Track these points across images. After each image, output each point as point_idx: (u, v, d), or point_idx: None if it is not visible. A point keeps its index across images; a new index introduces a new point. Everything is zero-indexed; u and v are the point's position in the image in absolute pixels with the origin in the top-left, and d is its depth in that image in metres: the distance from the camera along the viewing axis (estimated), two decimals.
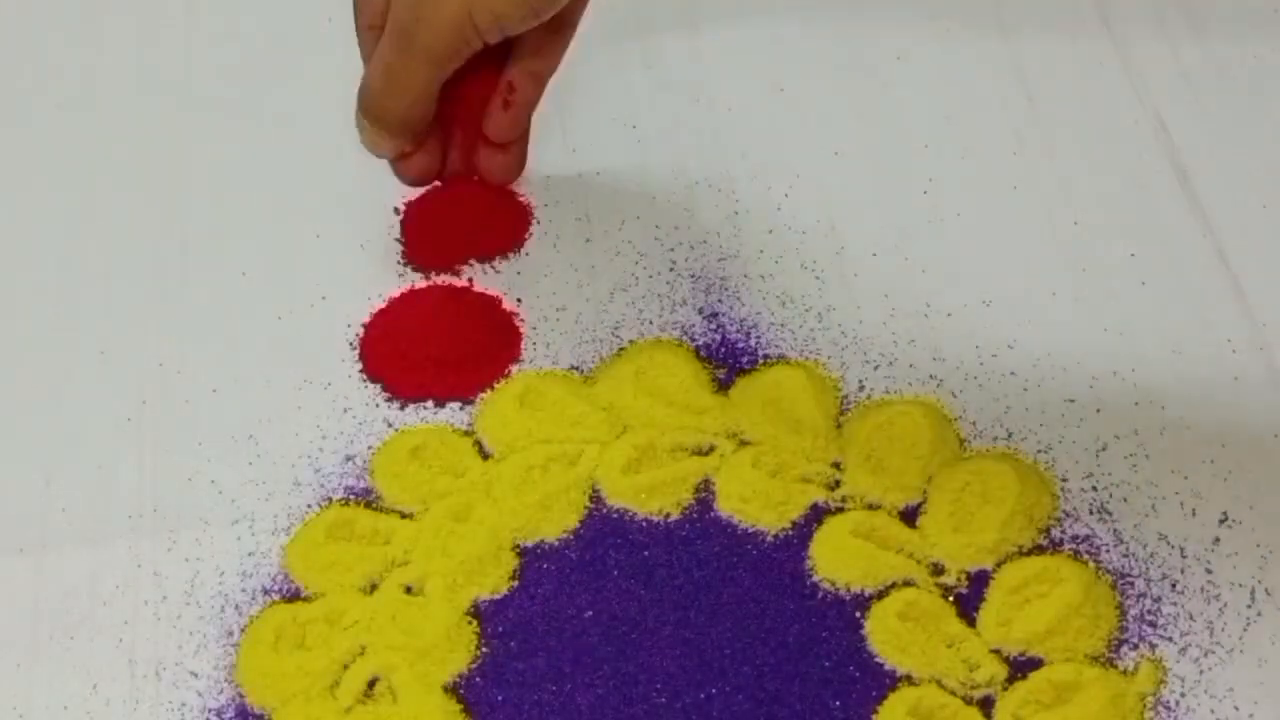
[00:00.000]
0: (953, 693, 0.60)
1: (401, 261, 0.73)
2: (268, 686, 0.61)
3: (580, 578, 0.63)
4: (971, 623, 0.61)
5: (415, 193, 0.75)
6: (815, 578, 0.63)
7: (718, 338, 0.70)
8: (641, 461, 0.66)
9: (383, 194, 0.76)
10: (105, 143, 0.79)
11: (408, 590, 0.63)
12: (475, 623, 0.62)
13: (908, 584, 0.62)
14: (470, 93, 0.72)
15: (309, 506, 0.66)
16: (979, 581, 0.63)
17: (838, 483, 0.65)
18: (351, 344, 0.71)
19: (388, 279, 0.73)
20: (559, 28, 0.71)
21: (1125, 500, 0.65)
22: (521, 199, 0.75)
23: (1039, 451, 0.66)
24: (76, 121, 0.80)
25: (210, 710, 0.61)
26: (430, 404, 0.69)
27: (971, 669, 0.60)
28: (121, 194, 0.77)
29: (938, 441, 0.66)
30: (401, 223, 0.75)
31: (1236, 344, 0.69)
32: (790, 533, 0.64)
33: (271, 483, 0.67)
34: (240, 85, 0.81)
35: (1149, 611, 0.62)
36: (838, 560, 0.63)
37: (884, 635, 0.61)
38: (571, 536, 0.64)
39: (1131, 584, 0.62)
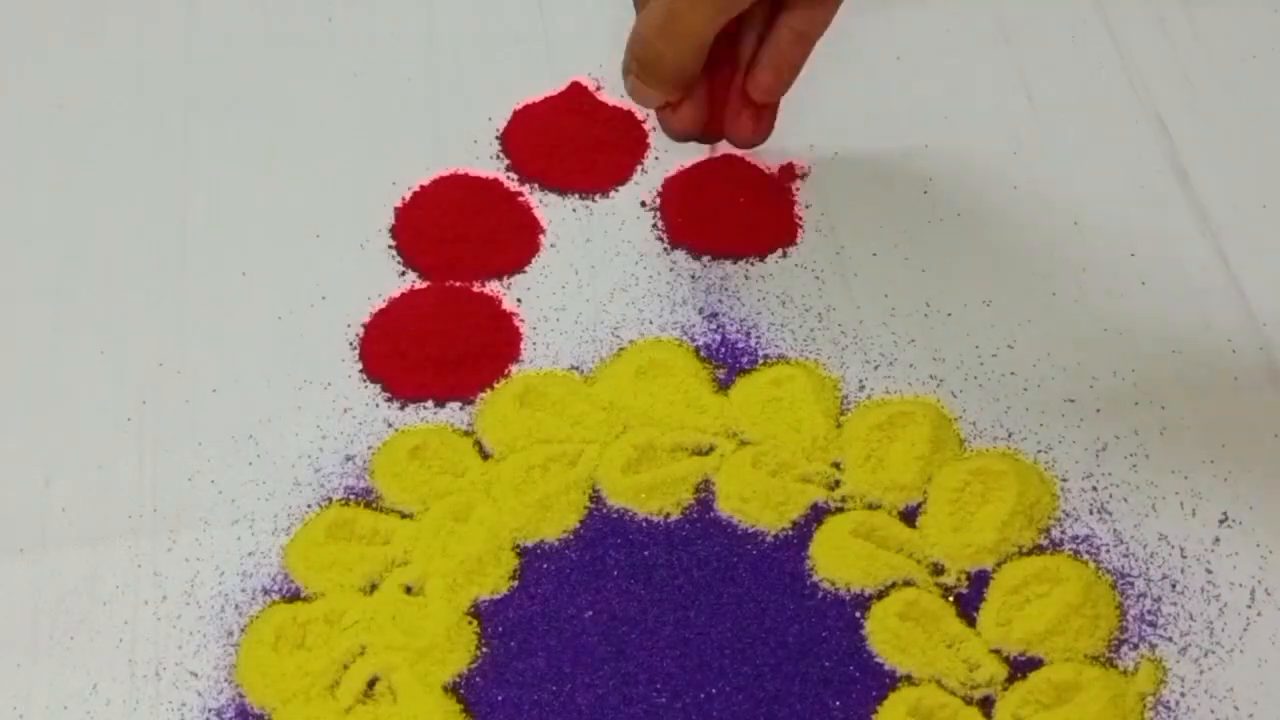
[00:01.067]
0: (953, 693, 0.60)
1: (400, 262, 0.74)
2: (268, 686, 0.61)
3: (580, 578, 0.63)
4: (971, 623, 0.62)
5: (411, 196, 0.75)
6: (815, 578, 0.63)
7: (718, 338, 0.70)
8: (641, 461, 0.66)
9: (383, 194, 0.76)
10: (105, 142, 0.79)
11: (408, 590, 0.63)
12: (475, 623, 0.62)
13: (908, 584, 0.63)
14: (732, 50, 0.71)
15: (309, 506, 0.66)
16: (979, 581, 0.63)
17: (838, 483, 0.65)
18: (351, 344, 0.71)
19: (388, 279, 0.73)
20: None
21: (1125, 500, 0.65)
22: (533, 213, 0.75)
23: (1039, 451, 0.66)
24: (76, 121, 0.80)
25: (210, 710, 0.61)
26: (430, 404, 0.69)
27: (971, 669, 0.60)
28: (121, 194, 0.77)
29: (938, 441, 0.66)
30: (394, 228, 0.75)
31: (1236, 344, 0.69)
32: (790, 533, 0.64)
33: (271, 483, 0.67)
34: (240, 85, 0.81)
35: (1149, 611, 0.62)
36: (838, 560, 0.63)
37: (884, 635, 0.61)
38: (571, 536, 0.64)
39: (1131, 584, 0.62)
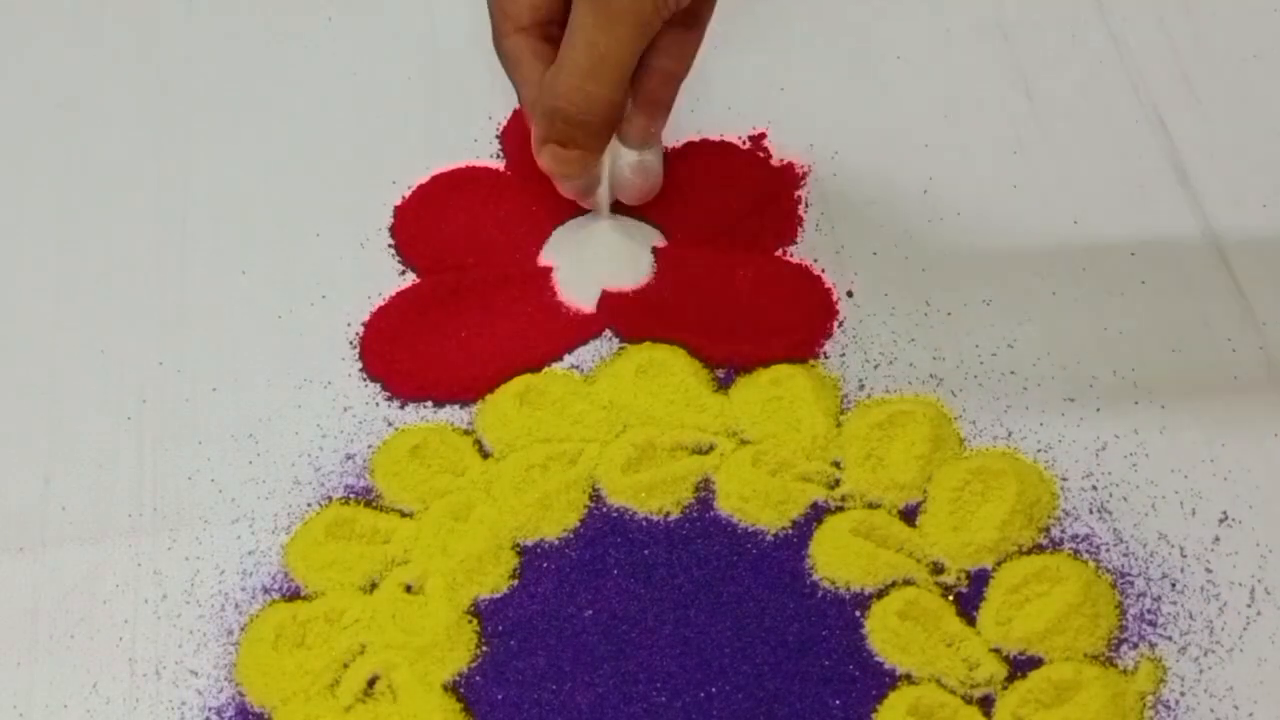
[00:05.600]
0: (952, 692, 0.60)
1: (400, 261, 0.73)
2: (268, 685, 0.61)
3: (580, 577, 0.63)
4: (971, 622, 0.62)
5: (410, 195, 0.75)
6: (815, 577, 0.63)
7: None
8: (641, 460, 0.66)
9: (383, 194, 0.76)
10: (105, 142, 0.79)
11: (408, 589, 0.63)
12: (475, 621, 0.62)
13: (908, 583, 0.63)
14: None
15: (309, 505, 0.66)
16: (979, 580, 0.63)
17: (838, 481, 0.65)
18: (351, 343, 0.71)
19: (387, 278, 0.73)
20: (693, 25, 0.68)
21: (1125, 499, 0.65)
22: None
23: (1039, 451, 0.66)
24: (76, 121, 0.80)
25: (210, 709, 0.61)
26: (430, 404, 0.69)
27: (971, 668, 0.60)
28: (121, 193, 0.77)
29: (938, 441, 0.66)
30: (393, 226, 0.75)
31: (1236, 344, 0.69)
32: (790, 532, 0.64)
33: (271, 481, 0.67)
34: (240, 85, 0.81)
35: (1149, 611, 0.62)
36: (837, 559, 0.63)
37: (884, 634, 0.61)
38: (571, 535, 0.65)
39: (1131, 583, 0.62)
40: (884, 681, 0.60)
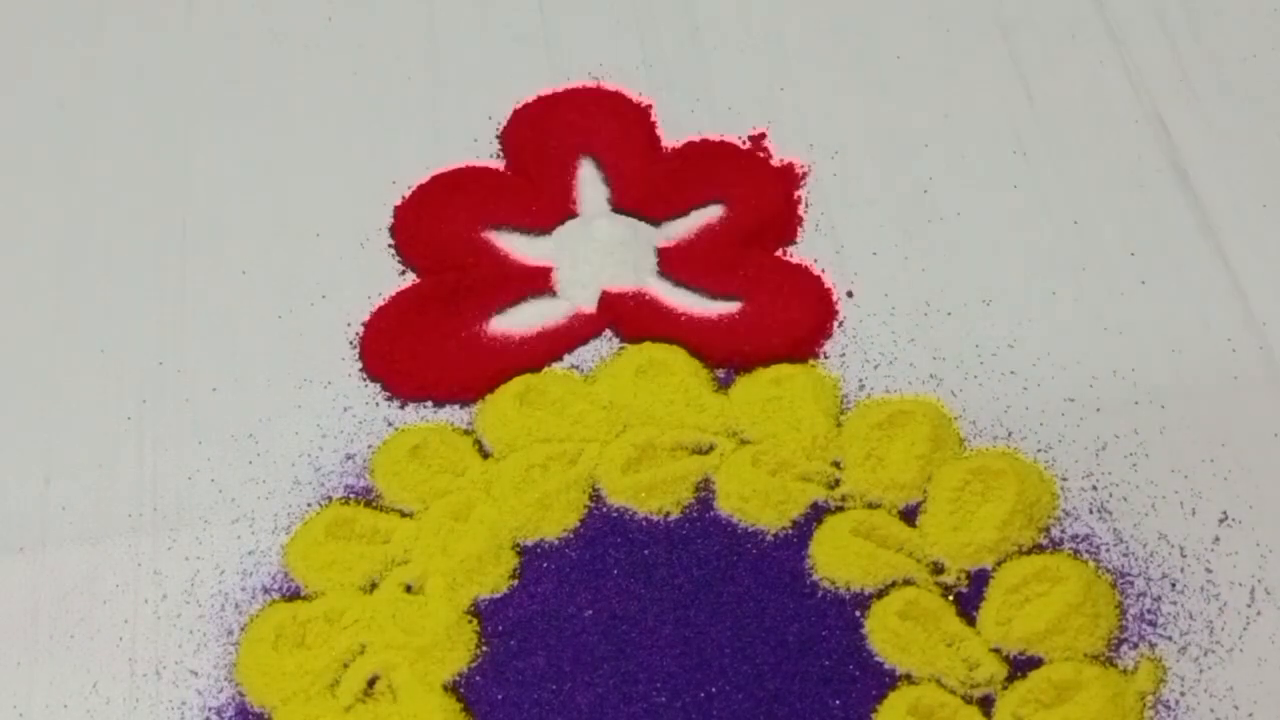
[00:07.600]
0: (952, 691, 0.60)
1: (400, 261, 0.74)
2: (268, 685, 0.61)
3: (580, 577, 0.63)
4: (971, 622, 0.62)
5: (411, 195, 0.75)
6: (815, 577, 0.63)
7: None
8: (641, 460, 0.66)
9: (383, 194, 0.76)
10: (105, 142, 0.79)
11: (408, 589, 0.63)
12: (475, 621, 0.62)
13: (908, 583, 0.63)
14: None
15: (309, 505, 0.66)
16: (979, 580, 0.63)
17: (838, 481, 0.65)
18: (351, 343, 0.71)
19: (387, 278, 0.73)
20: None
21: (1125, 499, 0.65)
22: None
23: (1039, 451, 0.66)
24: (77, 120, 0.80)
25: (210, 709, 0.61)
26: (430, 404, 0.69)
27: (971, 668, 0.60)
28: (121, 193, 0.77)
29: (938, 441, 0.66)
30: (393, 227, 0.75)
31: (1236, 344, 0.69)
32: (790, 532, 0.64)
33: (271, 481, 0.67)
34: (240, 85, 0.81)
35: (1149, 610, 0.62)
36: (838, 559, 0.63)
37: (884, 634, 0.61)
38: (571, 535, 0.65)
39: (1131, 583, 0.62)
40: (884, 681, 0.60)
